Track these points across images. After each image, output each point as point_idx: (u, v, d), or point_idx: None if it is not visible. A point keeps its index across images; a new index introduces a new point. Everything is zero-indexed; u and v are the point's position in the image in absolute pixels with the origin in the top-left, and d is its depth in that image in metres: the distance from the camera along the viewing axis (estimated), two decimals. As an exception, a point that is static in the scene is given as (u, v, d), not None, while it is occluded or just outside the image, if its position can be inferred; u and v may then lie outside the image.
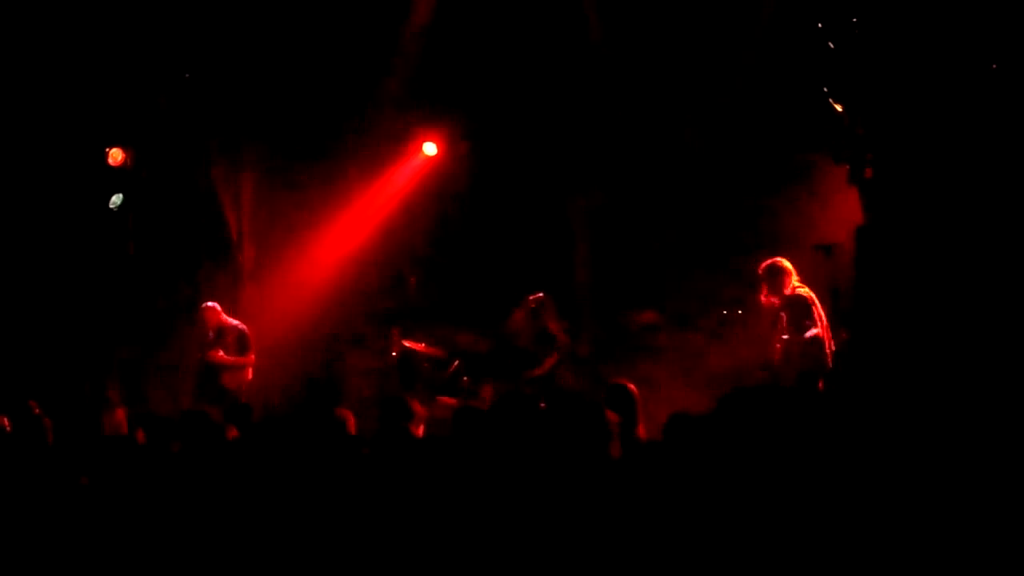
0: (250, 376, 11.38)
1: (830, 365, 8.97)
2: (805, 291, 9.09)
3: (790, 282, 9.10)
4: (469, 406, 10.66)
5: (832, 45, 9.01)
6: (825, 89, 9.23)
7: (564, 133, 12.11)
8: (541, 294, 10.89)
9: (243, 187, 12.91)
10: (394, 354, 12.23)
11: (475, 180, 12.83)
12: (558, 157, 12.25)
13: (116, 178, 12.16)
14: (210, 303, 11.47)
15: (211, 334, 11.34)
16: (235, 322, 11.44)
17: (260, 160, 12.83)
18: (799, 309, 8.98)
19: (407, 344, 11.98)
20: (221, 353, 11.22)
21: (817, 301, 9.08)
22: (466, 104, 12.45)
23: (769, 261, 9.22)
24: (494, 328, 11.53)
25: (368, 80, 12.53)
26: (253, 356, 11.37)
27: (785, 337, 9.02)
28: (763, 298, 9.25)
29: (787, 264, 9.16)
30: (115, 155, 12.12)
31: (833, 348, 9.05)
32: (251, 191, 12.94)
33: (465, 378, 11.46)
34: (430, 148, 12.87)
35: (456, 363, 11.71)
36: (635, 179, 11.87)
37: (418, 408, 10.23)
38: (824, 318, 9.07)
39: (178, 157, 12.54)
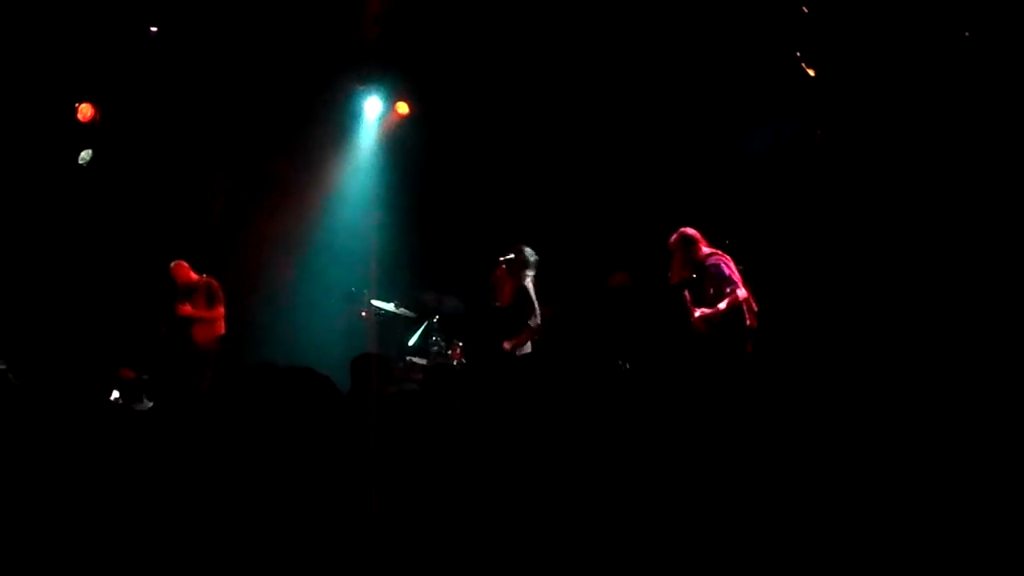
0: (222, 329, 11.40)
1: (755, 325, 8.95)
2: (718, 256, 9.06)
3: (701, 249, 9.07)
4: (440, 365, 10.75)
5: (806, 9, 9.04)
6: (798, 54, 9.26)
7: (535, 98, 12.13)
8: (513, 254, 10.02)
9: (216, 144, 12.86)
10: (364, 315, 12.23)
11: (443, 140, 12.83)
12: (526, 119, 12.27)
13: (85, 134, 12.08)
14: (176, 260, 11.45)
15: (179, 289, 11.37)
16: (203, 277, 11.44)
17: (232, 120, 12.77)
18: (716, 274, 8.95)
19: (377, 304, 11.98)
20: (189, 307, 11.25)
21: (731, 263, 9.05)
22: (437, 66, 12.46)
23: (677, 233, 9.17)
24: (470, 288, 11.43)
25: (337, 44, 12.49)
26: (222, 308, 11.38)
27: (705, 310, 8.95)
28: (673, 273, 9.20)
29: (694, 232, 9.13)
30: (84, 111, 12.03)
31: (756, 308, 9.02)
32: (224, 148, 12.89)
33: (434, 338, 11.46)
34: (402, 107, 12.93)
35: (426, 323, 11.71)
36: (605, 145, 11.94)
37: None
38: (741, 279, 9.04)
39: (149, 113, 12.44)
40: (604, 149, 12.01)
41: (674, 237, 9.14)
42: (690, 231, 9.11)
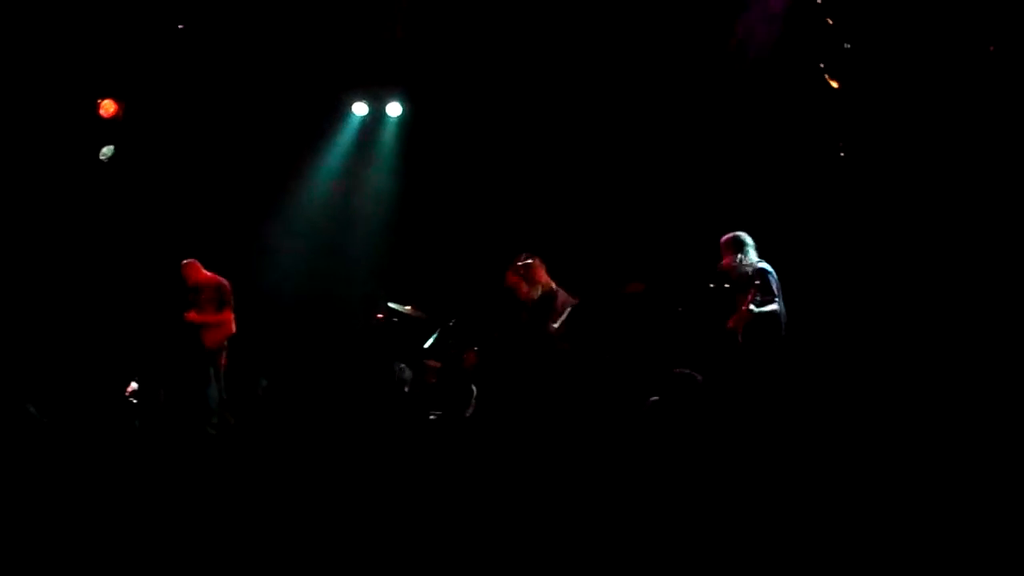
0: (232, 330, 11.06)
1: (783, 334, 8.95)
2: (765, 264, 9.05)
3: (751, 254, 9.07)
4: (454, 368, 10.76)
5: (831, 21, 9.02)
6: (822, 65, 9.23)
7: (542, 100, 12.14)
8: (527, 256, 10.26)
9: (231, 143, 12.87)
10: (379, 317, 12.21)
11: (455, 143, 12.83)
12: (537, 124, 12.27)
13: (107, 129, 12.12)
14: (188, 259, 11.14)
15: (189, 291, 11.05)
16: (213, 277, 11.10)
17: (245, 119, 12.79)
18: (762, 282, 8.94)
19: (392, 307, 11.97)
20: (195, 314, 10.96)
21: (774, 273, 9.05)
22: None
23: (732, 234, 9.16)
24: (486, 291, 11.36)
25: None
26: (231, 312, 11.02)
27: (750, 308, 8.89)
28: (726, 266, 9.21)
29: (748, 237, 9.13)
30: (107, 106, 12.06)
31: (786, 319, 9.02)
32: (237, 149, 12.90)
33: (450, 342, 11.42)
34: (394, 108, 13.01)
35: (440, 328, 11.67)
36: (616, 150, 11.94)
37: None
38: (779, 290, 9.04)
39: (171, 109, 12.47)
40: (618, 155, 11.99)
41: (727, 237, 9.12)
42: (743, 235, 9.09)
